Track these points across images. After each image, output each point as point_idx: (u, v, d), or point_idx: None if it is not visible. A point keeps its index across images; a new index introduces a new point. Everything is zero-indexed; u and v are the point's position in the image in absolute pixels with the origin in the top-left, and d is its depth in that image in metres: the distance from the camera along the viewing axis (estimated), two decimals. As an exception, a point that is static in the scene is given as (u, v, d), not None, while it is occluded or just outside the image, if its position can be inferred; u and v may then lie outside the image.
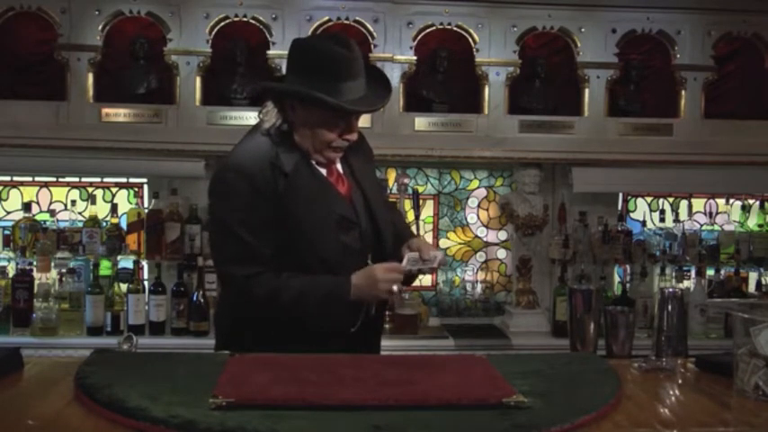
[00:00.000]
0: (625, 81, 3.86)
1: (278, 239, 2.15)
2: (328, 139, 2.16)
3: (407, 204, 3.72)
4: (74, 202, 3.80)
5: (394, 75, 3.66)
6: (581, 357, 2.21)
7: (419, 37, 3.71)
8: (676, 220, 4.02)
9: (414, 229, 2.45)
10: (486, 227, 4.10)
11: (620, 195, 4.15)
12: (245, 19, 3.63)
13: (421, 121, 3.67)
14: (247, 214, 2.12)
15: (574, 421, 1.53)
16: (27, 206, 3.73)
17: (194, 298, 3.54)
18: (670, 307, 2.36)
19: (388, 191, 3.61)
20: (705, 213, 4.21)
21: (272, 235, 2.14)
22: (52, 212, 3.80)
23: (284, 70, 3.71)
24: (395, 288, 2.14)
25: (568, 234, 3.84)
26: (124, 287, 3.60)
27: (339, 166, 2.29)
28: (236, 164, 2.17)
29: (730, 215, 4.17)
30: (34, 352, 2.43)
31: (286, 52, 3.64)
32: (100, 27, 3.57)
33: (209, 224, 2.76)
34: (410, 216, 3.64)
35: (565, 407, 1.61)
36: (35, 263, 3.53)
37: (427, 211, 4.01)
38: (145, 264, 3.79)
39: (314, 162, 2.22)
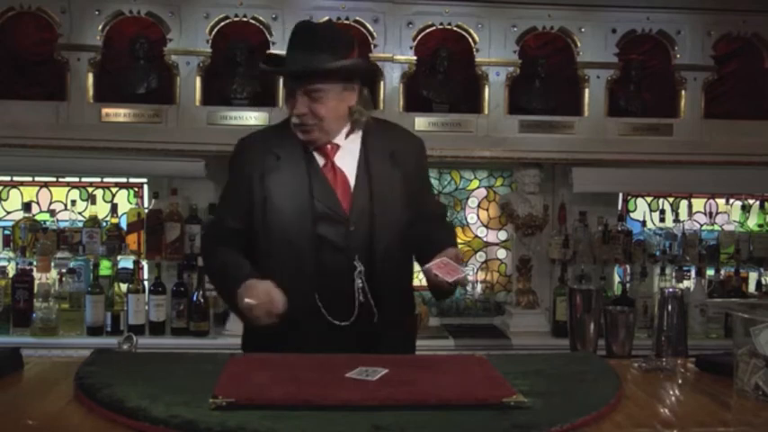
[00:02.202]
0: (625, 81, 3.86)
1: (256, 223, 2.23)
2: (288, 112, 2.25)
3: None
4: (74, 202, 3.80)
5: (394, 75, 3.66)
6: (581, 357, 2.21)
7: (419, 37, 3.71)
8: (676, 220, 4.02)
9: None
10: (486, 227, 4.10)
11: (620, 195, 4.15)
12: (245, 19, 3.64)
13: (421, 121, 3.67)
14: (232, 189, 2.33)
15: (574, 421, 1.53)
16: (27, 206, 3.74)
17: (194, 298, 3.54)
18: (670, 307, 2.36)
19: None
20: (705, 213, 4.21)
21: (245, 213, 2.25)
22: (52, 212, 3.80)
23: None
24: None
25: (568, 234, 3.84)
26: (124, 287, 3.60)
27: (343, 161, 2.27)
28: (243, 138, 2.38)
29: (730, 215, 4.17)
30: (34, 352, 2.43)
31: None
32: (100, 27, 3.57)
33: None
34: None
35: (565, 407, 1.61)
36: (35, 263, 3.53)
37: (427, 211, 4.00)
38: (145, 264, 3.79)
39: (313, 151, 2.26)
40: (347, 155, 2.28)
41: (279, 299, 2.05)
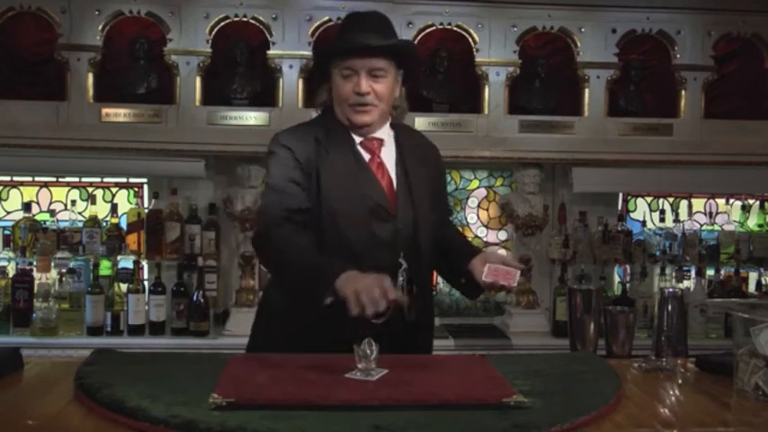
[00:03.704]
0: (625, 81, 3.86)
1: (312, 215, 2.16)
2: (344, 94, 2.19)
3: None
4: (74, 202, 3.80)
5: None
6: (581, 357, 2.21)
7: (419, 37, 3.71)
8: (676, 220, 4.02)
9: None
10: (486, 227, 4.10)
11: (620, 195, 4.15)
12: (245, 19, 3.63)
13: (421, 121, 3.66)
14: (289, 172, 2.16)
15: (574, 421, 1.53)
16: (27, 206, 3.73)
17: (194, 298, 3.54)
18: (670, 307, 2.36)
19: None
20: (705, 213, 4.21)
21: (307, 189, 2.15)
22: (52, 212, 3.80)
23: (284, 70, 3.75)
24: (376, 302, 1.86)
25: (568, 234, 3.84)
26: (124, 287, 3.60)
27: (385, 158, 2.26)
28: (281, 134, 2.26)
29: (730, 215, 4.17)
30: (34, 352, 2.43)
31: (286, 52, 3.69)
32: (100, 27, 3.57)
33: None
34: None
35: (565, 407, 1.61)
36: (35, 263, 3.53)
37: (427, 211, 4.00)
38: (145, 264, 3.79)
39: (358, 146, 2.23)
40: (387, 152, 2.28)
41: (388, 283, 1.89)
